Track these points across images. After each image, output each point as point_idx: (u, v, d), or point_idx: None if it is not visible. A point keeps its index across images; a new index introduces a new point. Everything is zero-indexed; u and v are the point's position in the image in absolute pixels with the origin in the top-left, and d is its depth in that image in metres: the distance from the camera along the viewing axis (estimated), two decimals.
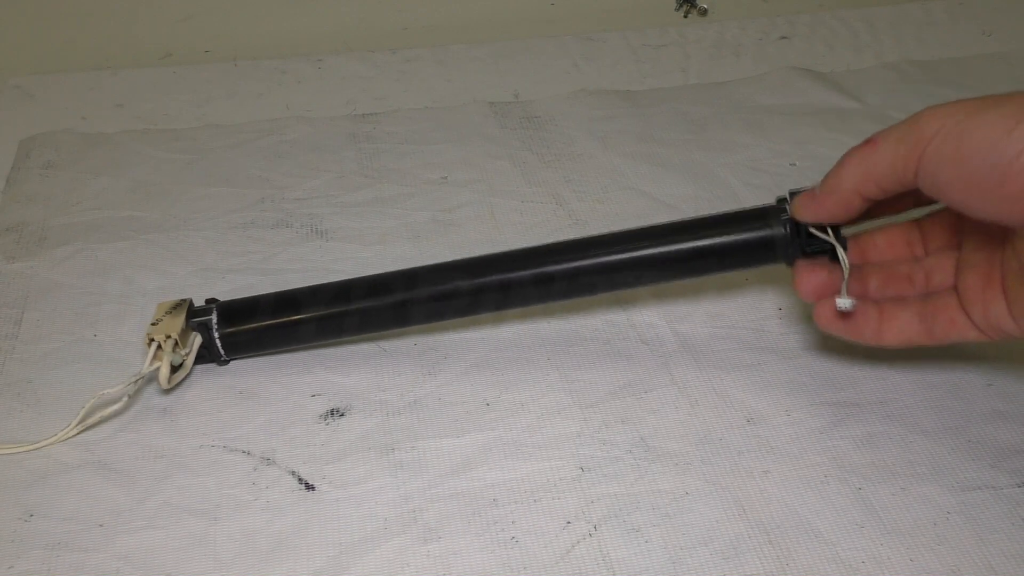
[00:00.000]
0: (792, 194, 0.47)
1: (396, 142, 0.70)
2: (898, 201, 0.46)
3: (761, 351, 0.52)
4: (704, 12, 0.87)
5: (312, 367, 0.52)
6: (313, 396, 0.50)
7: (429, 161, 0.68)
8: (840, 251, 0.45)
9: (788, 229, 0.47)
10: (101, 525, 0.44)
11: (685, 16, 0.87)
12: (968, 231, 0.46)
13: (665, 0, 0.87)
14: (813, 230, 0.46)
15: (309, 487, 0.46)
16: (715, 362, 0.52)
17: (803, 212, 0.45)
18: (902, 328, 0.46)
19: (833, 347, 0.52)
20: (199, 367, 0.52)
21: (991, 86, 0.74)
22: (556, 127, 0.71)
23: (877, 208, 0.45)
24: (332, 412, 0.50)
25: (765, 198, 0.63)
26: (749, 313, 0.54)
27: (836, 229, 0.46)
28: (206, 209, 0.63)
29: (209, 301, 0.52)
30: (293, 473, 0.47)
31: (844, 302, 0.44)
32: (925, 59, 0.78)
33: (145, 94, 0.76)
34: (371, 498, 0.45)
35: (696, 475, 0.46)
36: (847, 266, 0.45)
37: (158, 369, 0.49)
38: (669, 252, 0.48)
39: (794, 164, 0.67)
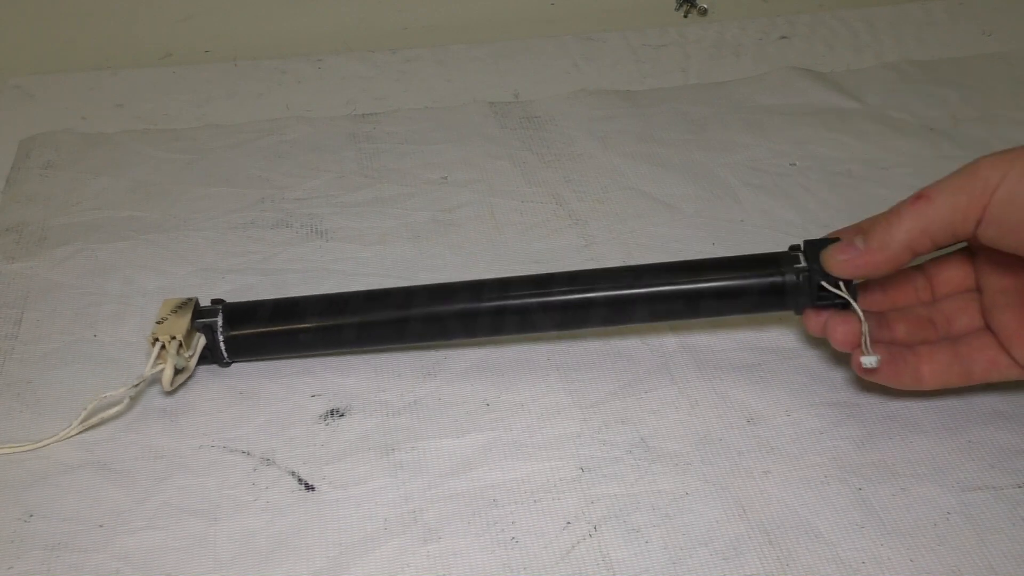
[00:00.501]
0: (809, 244, 0.47)
1: (396, 142, 0.70)
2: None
3: (761, 351, 0.52)
4: (704, 12, 0.87)
5: (312, 367, 0.52)
6: (313, 396, 0.50)
7: (429, 161, 0.68)
8: (856, 307, 0.45)
9: (800, 278, 0.47)
10: (101, 525, 0.44)
11: (685, 16, 0.87)
12: (986, 272, 0.46)
13: (665, 0, 0.87)
14: (825, 284, 0.46)
15: (309, 487, 0.46)
16: (715, 362, 0.52)
17: (845, 267, 0.45)
18: (940, 371, 0.46)
19: (832, 348, 0.52)
20: (200, 367, 0.52)
21: (991, 86, 0.75)
22: (556, 127, 0.71)
23: None
24: (332, 412, 0.50)
25: (765, 198, 0.63)
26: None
27: (848, 282, 0.46)
28: (206, 209, 0.63)
29: (215, 301, 0.52)
30: (293, 473, 0.47)
31: (869, 360, 0.45)
32: (925, 59, 0.78)
33: (145, 94, 0.76)
34: (371, 498, 0.45)
35: (696, 475, 0.46)
36: (865, 324, 0.45)
37: (161, 371, 0.49)
38: (678, 291, 0.48)
39: (794, 164, 0.67)
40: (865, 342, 0.45)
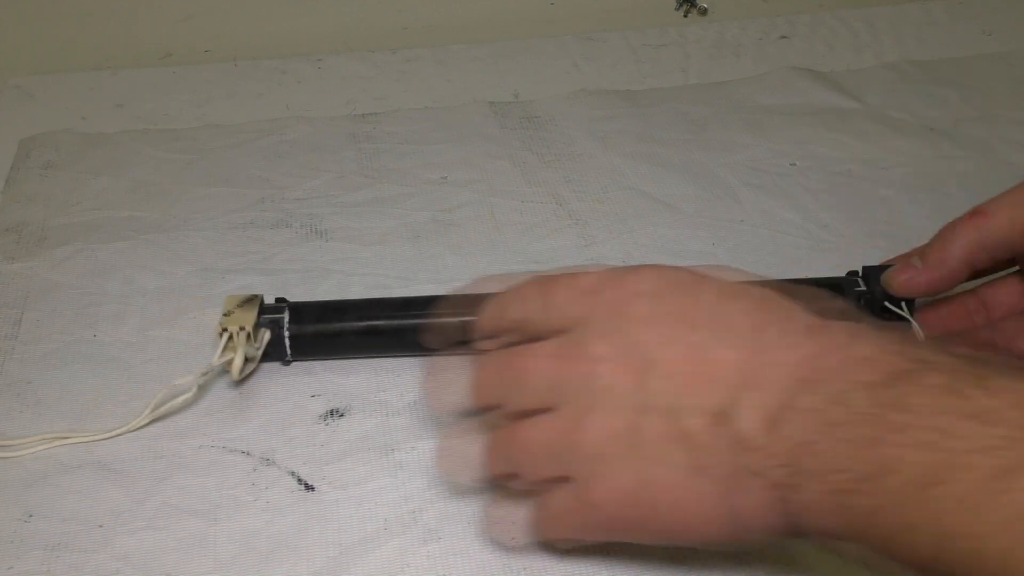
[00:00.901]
0: (867, 269, 0.49)
1: (396, 142, 0.70)
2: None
3: None
4: (704, 12, 0.87)
5: (312, 367, 0.52)
6: (313, 396, 0.50)
7: (429, 161, 0.68)
8: (916, 326, 0.47)
9: (863, 302, 0.48)
10: (101, 526, 0.44)
11: (685, 16, 0.87)
12: None
13: (665, 0, 0.87)
14: (889, 304, 0.47)
15: (309, 487, 0.46)
16: None
17: (906, 287, 0.46)
18: None
19: None
20: (188, 370, 0.52)
21: (991, 86, 0.75)
22: (556, 127, 0.71)
23: None
24: (332, 412, 0.50)
25: (765, 198, 0.63)
26: None
27: (910, 303, 0.47)
28: (206, 209, 0.63)
29: (279, 300, 0.52)
30: (293, 474, 0.47)
31: None
32: (925, 59, 0.78)
33: (145, 94, 0.76)
34: (371, 498, 0.45)
35: None
36: (923, 339, 0.46)
37: (230, 360, 0.49)
38: None
39: (794, 164, 0.67)
40: None
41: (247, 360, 0.49)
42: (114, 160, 0.68)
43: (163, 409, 0.48)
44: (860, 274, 0.50)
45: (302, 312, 0.51)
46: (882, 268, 0.49)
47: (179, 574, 0.42)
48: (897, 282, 0.46)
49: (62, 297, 0.56)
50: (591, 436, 0.36)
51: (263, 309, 0.51)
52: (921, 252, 0.46)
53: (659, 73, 0.78)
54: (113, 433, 0.48)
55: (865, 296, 0.48)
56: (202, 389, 0.50)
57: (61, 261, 0.59)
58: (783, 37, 0.82)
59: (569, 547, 0.42)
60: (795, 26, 0.83)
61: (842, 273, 0.51)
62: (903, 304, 0.47)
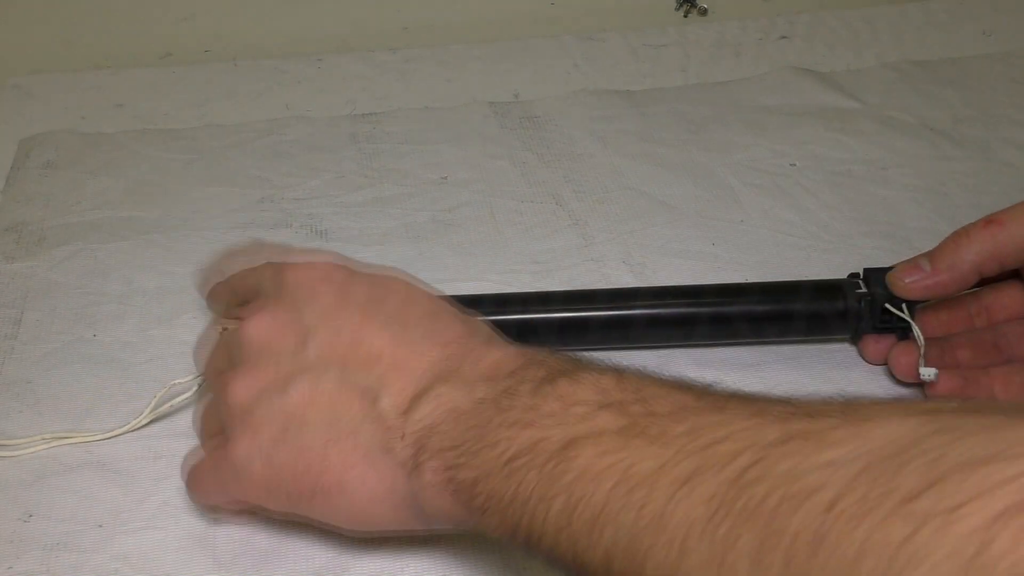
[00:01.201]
0: (869, 272, 0.49)
1: (396, 142, 0.70)
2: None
3: (762, 351, 0.52)
4: (704, 12, 0.87)
5: None
6: None
7: (429, 161, 0.68)
8: (916, 329, 0.47)
9: (863, 304, 0.48)
10: (100, 525, 0.44)
11: (685, 16, 0.87)
12: None
13: (665, 0, 0.87)
14: (889, 307, 0.47)
15: None
16: (715, 362, 0.51)
17: (911, 289, 0.46)
18: (1015, 392, 0.47)
19: (832, 348, 0.52)
20: (189, 370, 0.52)
21: (991, 86, 0.75)
22: (556, 127, 0.71)
23: None
24: None
25: (765, 198, 0.63)
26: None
27: (911, 306, 0.47)
28: (206, 209, 0.63)
29: None
30: None
31: (927, 372, 0.46)
32: (925, 59, 0.78)
33: (145, 94, 0.76)
34: None
35: None
36: (923, 343, 0.46)
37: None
38: (743, 312, 0.50)
39: (794, 164, 0.67)
40: (921, 355, 0.46)
41: None
42: (114, 160, 0.68)
43: (163, 409, 0.48)
44: (861, 276, 0.50)
45: None
46: (884, 270, 0.49)
47: (179, 574, 0.42)
48: (902, 283, 0.46)
49: (62, 297, 0.56)
50: (238, 391, 0.39)
51: None
52: (930, 255, 0.46)
53: (659, 73, 0.78)
54: (113, 433, 0.48)
55: (866, 298, 0.48)
56: (202, 388, 0.50)
57: (61, 261, 0.59)
58: (783, 37, 0.82)
59: (231, 514, 0.43)
60: (795, 26, 0.83)
61: (843, 274, 0.51)
62: (903, 306, 0.47)
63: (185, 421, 0.49)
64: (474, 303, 0.47)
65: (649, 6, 0.87)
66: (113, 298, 0.56)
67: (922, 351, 0.46)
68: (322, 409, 0.37)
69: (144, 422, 0.48)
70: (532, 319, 0.50)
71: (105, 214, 0.63)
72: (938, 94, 0.74)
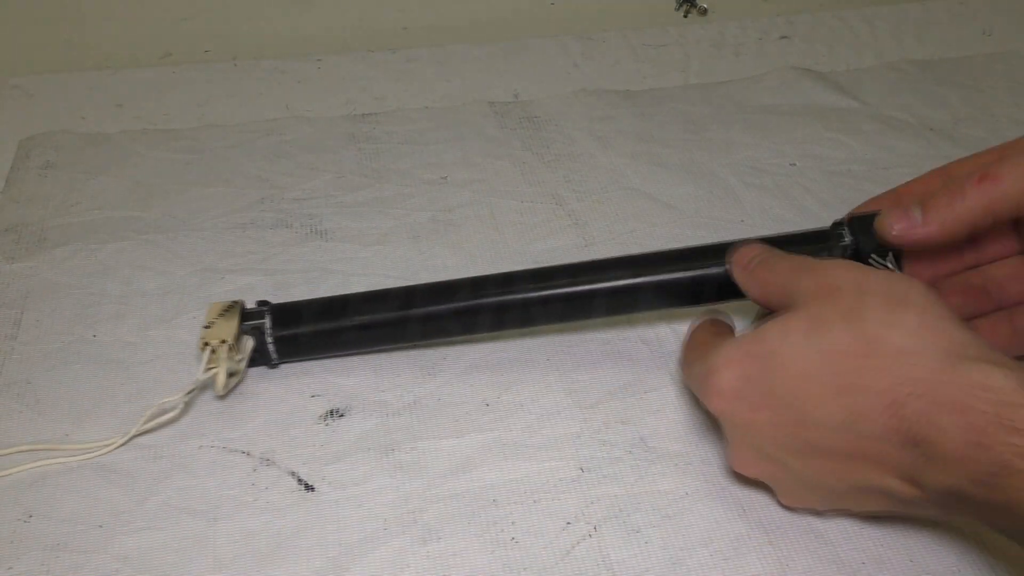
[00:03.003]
0: (854, 219, 0.47)
1: (396, 142, 0.70)
2: None
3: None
4: (704, 12, 0.87)
5: (311, 368, 0.52)
6: (313, 397, 0.50)
7: (429, 161, 0.68)
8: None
9: (848, 254, 0.47)
10: (100, 526, 0.44)
11: (685, 16, 0.87)
12: None
13: (665, 0, 0.87)
14: (876, 256, 0.46)
15: (309, 488, 0.46)
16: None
17: (901, 238, 0.44)
18: (1001, 345, 0.46)
19: None
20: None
21: (991, 86, 0.75)
22: (556, 127, 0.71)
23: None
24: (332, 413, 0.50)
25: (765, 198, 0.63)
26: (749, 313, 0.54)
27: (898, 254, 0.46)
28: (205, 209, 0.63)
29: (261, 303, 0.52)
30: (293, 474, 0.47)
31: None
32: (925, 59, 0.78)
33: (145, 94, 0.76)
34: (371, 499, 0.45)
35: (696, 475, 0.46)
36: None
37: (214, 375, 0.48)
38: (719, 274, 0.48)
39: (794, 164, 0.67)
40: None
41: (231, 374, 0.49)
42: (114, 160, 0.68)
43: (149, 426, 0.48)
44: (846, 224, 0.48)
45: (287, 313, 0.51)
46: (869, 217, 0.46)
47: (179, 574, 0.42)
48: (894, 231, 0.44)
49: (62, 297, 0.56)
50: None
51: (244, 316, 0.50)
52: (922, 204, 0.43)
53: (659, 73, 0.78)
54: (98, 453, 0.47)
55: (851, 248, 0.47)
56: (194, 395, 0.49)
57: (61, 261, 0.59)
58: (783, 37, 0.82)
59: None
60: (795, 26, 0.83)
61: None
62: (891, 256, 0.45)
63: (186, 421, 0.49)
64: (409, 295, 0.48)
65: (649, 6, 0.87)
66: (113, 298, 0.56)
67: None
68: None
69: (123, 441, 0.48)
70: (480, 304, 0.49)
71: (105, 214, 0.63)
72: (938, 94, 0.74)
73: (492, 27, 0.85)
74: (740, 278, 0.46)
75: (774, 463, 0.41)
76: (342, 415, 0.49)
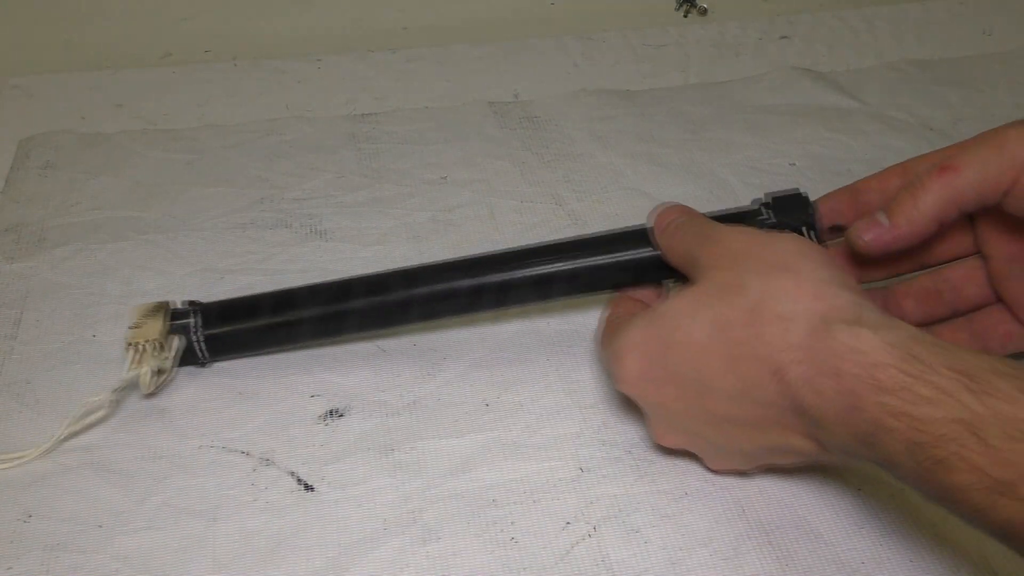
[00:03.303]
0: (776, 200, 0.47)
1: (396, 142, 0.70)
2: None
3: None
4: (704, 12, 0.87)
5: (311, 367, 0.52)
6: (312, 397, 0.50)
7: (429, 161, 0.68)
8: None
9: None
10: (100, 526, 0.44)
11: (685, 16, 0.87)
12: (991, 239, 0.46)
13: (665, 0, 0.87)
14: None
15: (308, 488, 0.46)
16: None
17: (873, 246, 0.43)
18: None
19: None
20: (195, 369, 0.52)
21: (991, 86, 0.75)
22: (556, 127, 0.71)
23: None
24: (331, 413, 0.50)
25: None
26: None
27: (819, 236, 0.46)
28: (205, 209, 0.63)
29: (191, 303, 0.51)
30: (292, 474, 0.47)
31: None
32: (925, 59, 0.78)
33: (145, 94, 0.76)
34: (370, 499, 0.45)
35: (696, 475, 0.46)
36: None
37: (139, 374, 0.48)
38: (651, 257, 0.48)
39: (794, 164, 0.67)
40: None
41: (159, 372, 0.49)
42: (113, 160, 0.68)
43: (76, 427, 0.48)
44: (769, 204, 0.48)
45: (216, 312, 0.51)
46: (794, 199, 0.46)
47: (178, 574, 0.42)
48: (863, 242, 0.43)
49: (62, 297, 0.56)
50: None
51: (173, 316, 0.50)
52: (887, 209, 0.43)
53: (659, 73, 0.78)
54: (20, 461, 0.47)
55: (774, 228, 0.46)
56: (122, 394, 0.49)
57: (61, 261, 0.59)
58: (783, 37, 0.82)
59: None
60: (795, 26, 0.83)
61: None
62: (812, 236, 0.45)
63: (186, 421, 0.49)
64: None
65: (649, 6, 0.87)
66: (112, 298, 0.56)
67: None
68: None
69: (53, 445, 0.47)
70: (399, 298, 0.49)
71: (105, 214, 0.63)
72: (938, 94, 0.74)
73: (492, 27, 0.85)
74: (657, 240, 0.47)
75: (690, 435, 0.43)
76: (342, 415, 0.49)
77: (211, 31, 0.82)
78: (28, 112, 0.74)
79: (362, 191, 0.65)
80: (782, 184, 0.64)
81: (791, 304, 0.37)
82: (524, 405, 0.50)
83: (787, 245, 0.40)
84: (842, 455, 0.38)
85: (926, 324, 0.47)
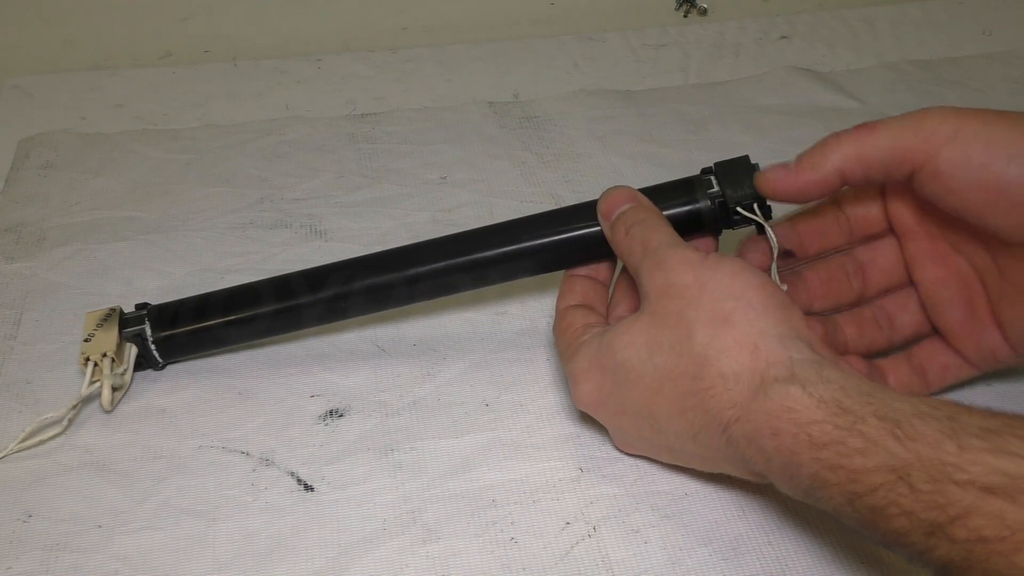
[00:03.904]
0: (721, 166, 0.46)
1: (396, 142, 0.70)
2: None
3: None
4: (704, 12, 0.87)
5: (311, 368, 0.52)
6: (312, 397, 0.50)
7: (428, 161, 0.68)
8: (770, 232, 0.45)
9: (716, 203, 0.46)
10: (100, 526, 0.44)
11: (685, 16, 0.87)
12: (918, 263, 0.46)
13: (665, 0, 0.87)
14: (742, 208, 0.45)
15: (308, 488, 0.46)
16: None
17: (774, 187, 0.44)
18: (904, 383, 0.47)
19: None
20: (196, 369, 0.52)
21: (991, 86, 0.74)
22: (556, 127, 0.71)
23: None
24: (331, 413, 0.50)
25: None
26: None
27: (763, 207, 0.45)
28: (205, 209, 0.63)
29: (139, 306, 0.51)
30: (292, 474, 0.47)
31: (781, 286, 0.44)
32: (925, 59, 0.78)
33: (145, 94, 0.76)
34: (370, 499, 0.45)
35: (696, 476, 0.46)
36: (776, 246, 0.45)
37: (98, 390, 0.48)
38: (593, 234, 0.47)
39: None
40: (773, 271, 0.45)
41: (116, 388, 0.49)
42: (113, 160, 0.68)
43: (30, 442, 0.47)
44: (713, 171, 0.47)
45: (166, 314, 0.51)
46: (739, 163, 0.46)
47: (178, 574, 0.42)
48: (766, 181, 0.44)
49: (61, 297, 0.56)
50: None
51: (123, 323, 0.50)
52: (797, 155, 0.44)
53: (659, 73, 0.78)
54: None
55: (717, 197, 0.46)
56: (78, 410, 0.49)
57: (60, 261, 0.59)
58: (783, 37, 0.82)
59: None
60: (795, 26, 0.83)
61: None
62: (755, 208, 0.45)
63: (186, 422, 0.49)
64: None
65: (649, 6, 0.87)
66: (112, 298, 0.56)
67: (775, 258, 0.45)
68: None
69: (4, 455, 0.47)
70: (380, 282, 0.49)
71: (105, 214, 0.63)
72: (938, 94, 0.74)
73: (492, 27, 0.85)
74: (605, 230, 0.46)
75: (649, 449, 0.45)
76: (341, 415, 0.49)
77: (211, 31, 0.82)
78: (28, 112, 0.74)
79: (362, 191, 0.65)
80: None
81: (733, 364, 0.38)
82: (524, 405, 0.50)
83: (730, 287, 0.40)
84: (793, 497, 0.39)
85: (869, 355, 0.47)
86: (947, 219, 0.43)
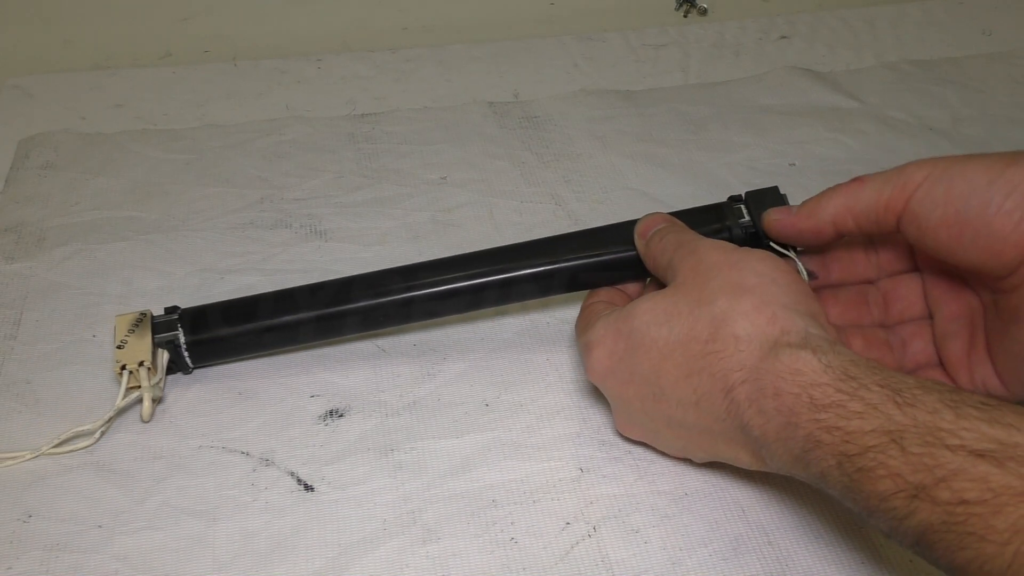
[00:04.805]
0: (748, 195, 0.48)
1: (396, 142, 0.70)
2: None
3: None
4: (704, 12, 0.87)
5: (311, 368, 0.52)
6: (312, 397, 0.50)
7: (428, 161, 0.68)
8: (800, 264, 0.47)
9: (747, 233, 0.48)
10: (100, 526, 0.44)
11: (685, 16, 0.87)
12: (935, 297, 0.47)
13: (665, 0, 0.87)
14: (774, 244, 0.47)
15: (308, 488, 0.46)
16: None
17: (774, 227, 0.47)
18: None
19: None
20: (196, 369, 0.52)
21: (991, 86, 0.75)
22: (556, 127, 0.71)
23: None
24: (331, 413, 0.50)
25: None
26: None
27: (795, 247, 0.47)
28: (205, 209, 0.63)
29: (169, 310, 0.51)
30: (292, 474, 0.47)
31: None
32: (925, 59, 0.78)
33: (145, 94, 0.76)
34: (370, 499, 0.45)
35: (696, 476, 0.46)
36: (805, 276, 0.47)
37: (137, 400, 0.48)
38: (630, 257, 0.49)
39: (793, 164, 0.67)
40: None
41: (154, 400, 0.48)
42: (113, 160, 0.68)
43: (59, 450, 0.47)
44: (743, 200, 0.49)
45: (199, 319, 0.50)
46: (768, 194, 0.48)
47: (178, 574, 0.42)
48: (770, 222, 0.47)
49: (61, 298, 0.56)
50: None
51: (156, 328, 0.50)
52: (802, 202, 0.46)
53: (659, 73, 0.78)
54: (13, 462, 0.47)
55: (749, 228, 0.48)
56: (113, 422, 0.49)
57: (60, 261, 0.59)
58: (783, 37, 0.82)
59: None
60: (795, 26, 0.83)
61: None
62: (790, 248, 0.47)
63: (186, 422, 0.49)
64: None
65: (649, 6, 0.87)
66: (112, 299, 0.56)
67: (804, 277, 0.46)
68: None
69: (31, 457, 0.47)
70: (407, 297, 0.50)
71: (105, 214, 0.63)
72: (938, 94, 0.74)
73: (492, 27, 0.85)
74: (640, 248, 0.48)
75: (647, 430, 0.45)
76: (342, 415, 0.49)
77: (211, 31, 0.82)
78: (28, 112, 0.74)
79: (362, 191, 0.65)
80: (782, 184, 0.64)
81: (748, 326, 0.39)
82: (524, 405, 0.50)
83: (757, 266, 0.42)
84: (782, 473, 0.39)
85: None
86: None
